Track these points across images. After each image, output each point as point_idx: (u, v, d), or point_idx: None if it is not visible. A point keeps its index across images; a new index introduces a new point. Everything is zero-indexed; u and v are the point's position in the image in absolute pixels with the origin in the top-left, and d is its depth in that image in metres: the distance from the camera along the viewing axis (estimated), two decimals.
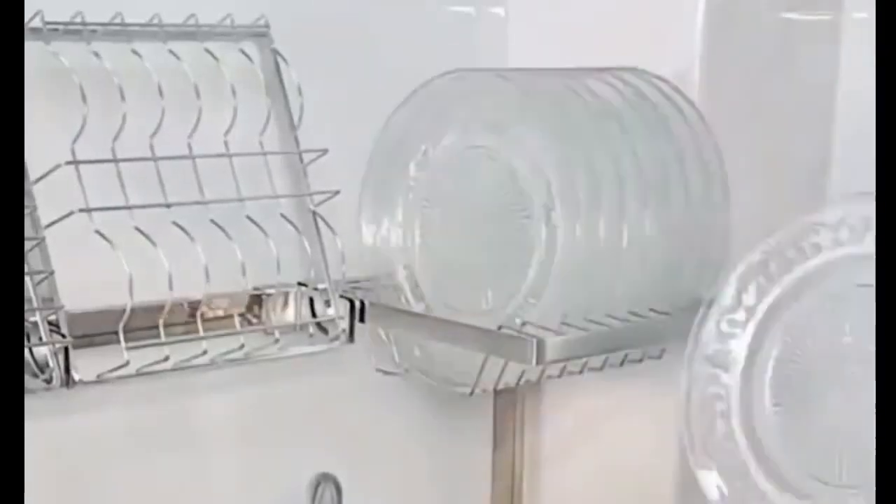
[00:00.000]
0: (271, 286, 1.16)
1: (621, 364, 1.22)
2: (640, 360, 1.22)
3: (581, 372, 1.22)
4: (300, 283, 1.18)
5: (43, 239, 1.01)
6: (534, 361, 1.09)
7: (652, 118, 1.18)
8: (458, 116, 1.17)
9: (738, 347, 1.03)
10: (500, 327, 1.10)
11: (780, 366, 1.02)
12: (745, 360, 1.03)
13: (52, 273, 1.01)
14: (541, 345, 1.08)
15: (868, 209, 0.95)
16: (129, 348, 1.05)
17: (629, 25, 1.28)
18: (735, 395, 1.02)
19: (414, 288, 1.21)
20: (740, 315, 1.03)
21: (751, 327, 1.03)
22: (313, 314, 1.18)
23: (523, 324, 1.08)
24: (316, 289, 1.18)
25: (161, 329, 1.07)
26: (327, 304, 1.18)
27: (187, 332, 1.10)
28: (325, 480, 1.21)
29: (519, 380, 1.21)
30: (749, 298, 1.02)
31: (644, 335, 1.15)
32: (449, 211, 1.19)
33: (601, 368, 1.21)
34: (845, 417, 0.98)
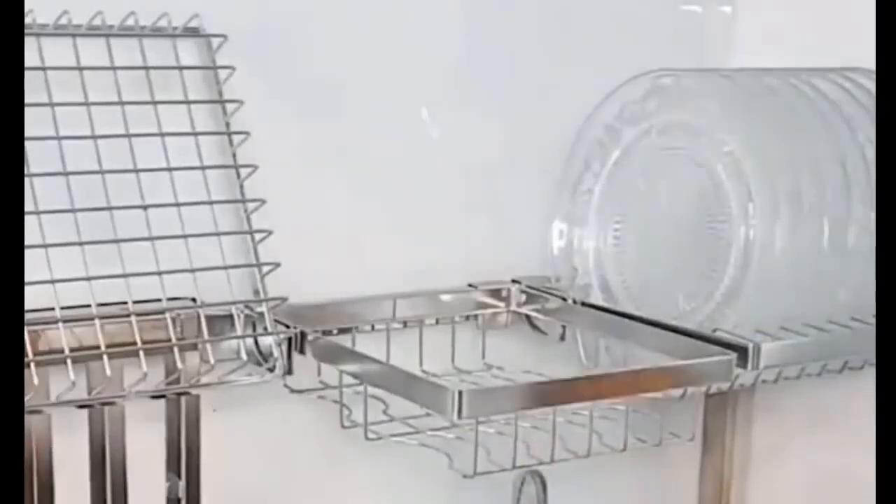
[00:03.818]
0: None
1: (840, 371, 1.20)
2: (861, 367, 1.20)
3: (798, 377, 1.20)
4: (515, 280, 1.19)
5: (271, 232, 1.03)
6: (749, 366, 1.08)
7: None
8: (658, 117, 1.17)
9: None
10: (714, 330, 1.09)
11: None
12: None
13: (277, 265, 1.04)
14: (756, 350, 1.07)
15: None
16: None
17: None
18: None
19: (605, 290, 1.21)
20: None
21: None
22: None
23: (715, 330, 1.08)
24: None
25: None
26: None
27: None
28: (531, 475, 1.21)
29: (732, 384, 1.19)
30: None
31: (865, 343, 1.11)
32: (641, 213, 1.18)
33: (819, 374, 1.19)
34: None
